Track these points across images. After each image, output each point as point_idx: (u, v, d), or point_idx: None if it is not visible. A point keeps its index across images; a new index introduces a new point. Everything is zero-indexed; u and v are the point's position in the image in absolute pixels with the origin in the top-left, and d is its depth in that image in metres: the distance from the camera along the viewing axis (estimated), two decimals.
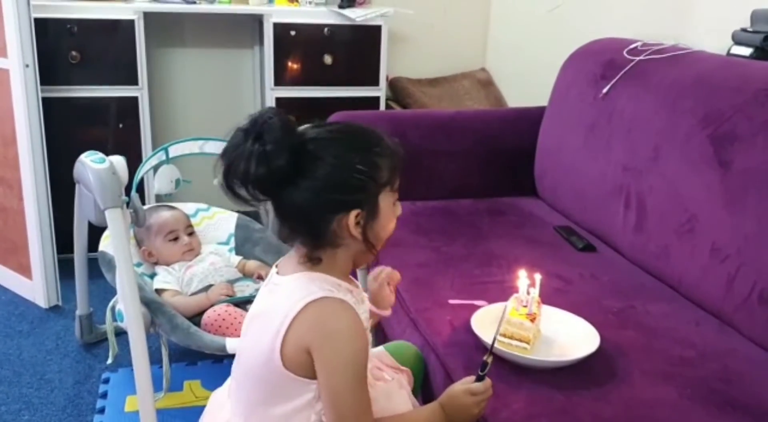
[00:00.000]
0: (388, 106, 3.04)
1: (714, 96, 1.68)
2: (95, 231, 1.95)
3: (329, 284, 1.09)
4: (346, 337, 1.07)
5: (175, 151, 2.04)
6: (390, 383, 1.29)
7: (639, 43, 2.05)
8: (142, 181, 2.05)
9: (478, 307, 1.52)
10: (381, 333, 1.74)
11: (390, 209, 1.12)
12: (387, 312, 1.35)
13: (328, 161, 1.04)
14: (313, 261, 1.10)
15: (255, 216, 2.30)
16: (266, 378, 1.10)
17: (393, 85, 3.18)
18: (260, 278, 2.02)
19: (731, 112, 1.60)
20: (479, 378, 1.20)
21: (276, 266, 1.18)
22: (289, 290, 1.09)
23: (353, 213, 1.06)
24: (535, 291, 1.42)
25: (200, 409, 1.33)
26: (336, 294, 1.08)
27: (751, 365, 1.40)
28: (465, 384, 1.20)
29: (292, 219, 1.08)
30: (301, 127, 1.07)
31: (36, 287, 2.45)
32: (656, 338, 1.48)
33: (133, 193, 1.74)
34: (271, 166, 1.00)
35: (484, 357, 1.20)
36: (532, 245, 1.95)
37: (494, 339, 1.24)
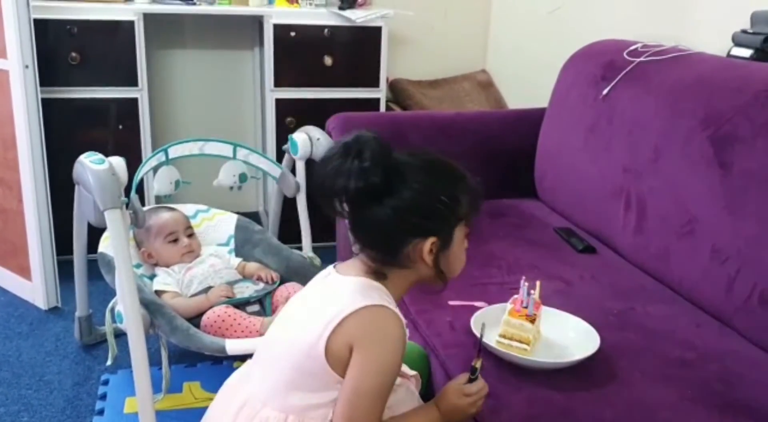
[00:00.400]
0: (388, 108, 3.03)
1: (714, 97, 1.68)
2: (95, 233, 1.94)
3: (389, 298, 1.14)
4: (392, 346, 1.11)
5: (174, 152, 2.03)
6: (399, 389, 1.30)
7: (639, 45, 2.04)
8: (141, 182, 2.04)
9: (478, 308, 1.52)
10: None
11: (461, 242, 1.18)
12: None
13: (415, 186, 1.10)
14: (378, 275, 1.15)
15: (254, 217, 2.31)
16: (302, 364, 1.12)
17: (393, 86, 3.17)
18: (260, 279, 2.02)
19: (732, 113, 1.60)
20: (471, 380, 1.20)
21: (334, 266, 1.22)
22: (349, 289, 1.13)
23: (430, 240, 1.12)
24: (535, 293, 1.42)
25: (200, 411, 1.33)
26: (394, 308, 1.12)
27: (751, 367, 1.40)
28: (459, 385, 1.21)
29: (370, 235, 1.14)
30: (396, 154, 1.13)
31: (35, 288, 2.45)
32: (657, 340, 1.48)
33: (133, 194, 1.74)
34: (368, 182, 1.07)
35: (473, 363, 1.21)
36: (533, 246, 1.95)
37: (480, 342, 1.25)
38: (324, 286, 1.20)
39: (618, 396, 1.28)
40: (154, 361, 1.74)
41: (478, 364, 1.21)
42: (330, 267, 1.22)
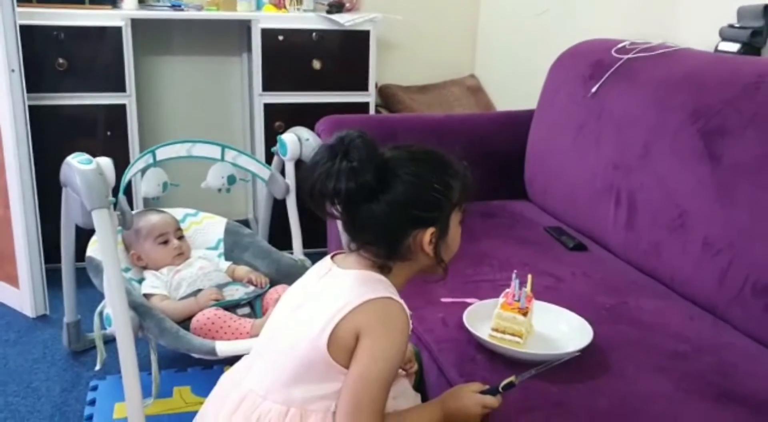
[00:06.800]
0: (377, 113, 3.03)
1: (703, 91, 1.68)
2: (83, 240, 1.92)
3: (393, 289, 1.14)
4: (398, 335, 1.11)
5: (162, 153, 2.02)
6: (401, 381, 1.29)
7: (627, 43, 2.05)
8: (129, 185, 2.03)
9: (469, 305, 1.51)
10: None
11: (457, 227, 1.19)
12: None
13: (407, 179, 1.11)
14: (383, 269, 1.15)
15: (244, 224, 2.29)
16: (303, 358, 1.12)
17: (382, 92, 3.17)
18: (250, 282, 2.00)
19: (720, 106, 1.60)
20: (493, 392, 1.18)
21: (332, 259, 1.21)
22: (353, 282, 1.13)
23: (429, 231, 1.13)
24: (527, 287, 1.41)
25: (190, 415, 1.30)
26: (399, 299, 1.13)
27: (746, 358, 1.40)
28: (476, 393, 1.19)
29: (369, 232, 1.14)
30: (381, 149, 1.13)
31: (23, 296, 2.42)
32: (650, 333, 1.47)
33: (121, 195, 1.72)
34: (359, 181, 1.07)
35: (513, 378, 1.18)
36: (524, 245, 1.95)
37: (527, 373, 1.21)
38: (327, 280, 1.18)
39: (612, 387, 1.27)
40: (143, 366, 1.72)
41: (517, 381, 1.18)
42: (328, 260, 1.21)
